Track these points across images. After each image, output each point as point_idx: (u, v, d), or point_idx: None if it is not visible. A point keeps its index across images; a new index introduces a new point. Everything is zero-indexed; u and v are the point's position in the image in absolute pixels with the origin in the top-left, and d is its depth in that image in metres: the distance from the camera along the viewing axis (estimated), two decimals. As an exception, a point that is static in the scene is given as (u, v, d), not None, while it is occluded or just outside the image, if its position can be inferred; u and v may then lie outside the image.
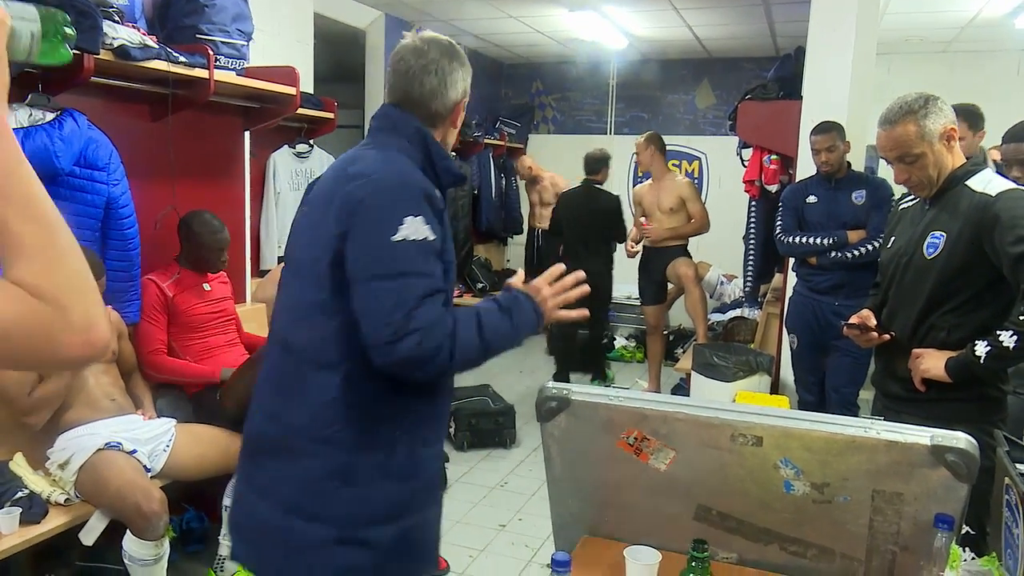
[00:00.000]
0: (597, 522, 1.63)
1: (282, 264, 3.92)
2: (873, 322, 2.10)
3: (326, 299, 1.38)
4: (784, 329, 3.83)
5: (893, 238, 2.13)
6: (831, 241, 3.42)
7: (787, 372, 3.96)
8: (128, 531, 2.16)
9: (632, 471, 1.52)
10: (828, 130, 3.45)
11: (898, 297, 2.04)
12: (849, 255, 3.40)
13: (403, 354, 1.29)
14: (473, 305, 1.43)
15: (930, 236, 1.95)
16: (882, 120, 1.95)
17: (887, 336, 2.04)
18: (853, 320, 2.14)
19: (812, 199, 3.54)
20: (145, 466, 2.35)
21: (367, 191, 1.37)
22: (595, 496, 1.61)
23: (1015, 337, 1.74)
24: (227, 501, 2.60)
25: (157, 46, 2.67)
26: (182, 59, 2.75)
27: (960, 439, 1.28)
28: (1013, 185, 1.87)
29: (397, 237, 1.32)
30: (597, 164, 5.24)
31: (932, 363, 1.88)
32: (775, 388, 4.03)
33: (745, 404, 1.42)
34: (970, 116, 3.27)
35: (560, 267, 1.53)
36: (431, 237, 1.35)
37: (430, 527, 1.54)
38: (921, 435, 1.30)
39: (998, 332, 1.78)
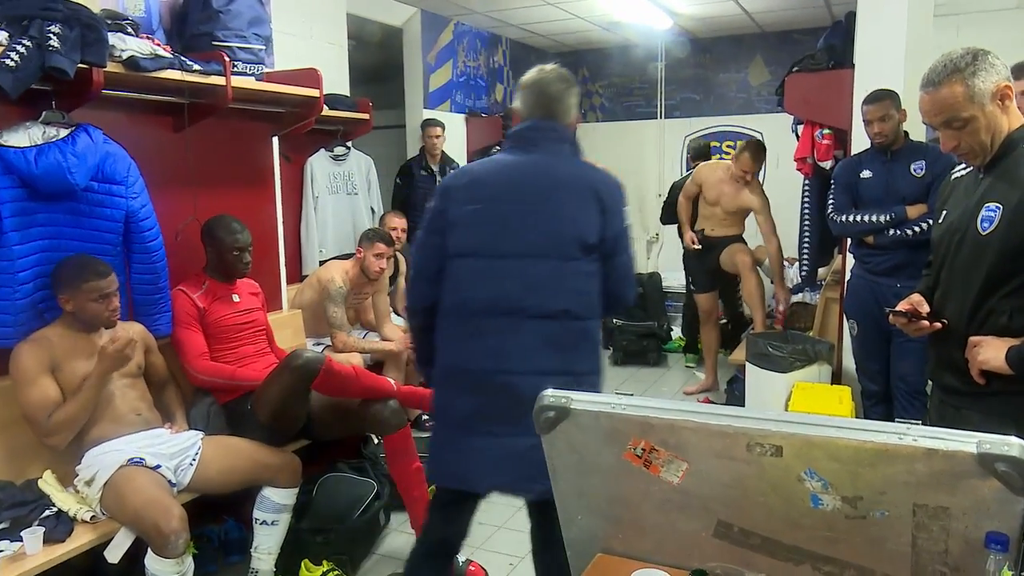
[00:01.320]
0: (611, 539, 1.50)
1: (325, 265, 3.75)
2: (925, 308, 1.88)
3: (596, 268, 1.86)
4: (844, 315, 3.58)
5: (945, 212, 1.90)
6: (888, 218, 3.17)
7: (849, 360, 3.71)
8: (149, 548, 2.14)
9: (643, 485, 1.38)
10: (881, 99, 3.20)
11: (951, 278, 1.82)
12: (909, 232, 3.13)
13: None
14: None
15: (984, 208, 1.72)
16: (925, 81, 1.72)
17: (939, 324, 1.82)
18: (901, 307, 1.91)
19: (867, 174, 3.29)
20: (170, 481, 2.33)
21: (614, 187, 1.91)
22: (606, 512, 1.48)
23: None
24: (258, 514, 2.57)
25: (170, 56, 2.65)
26: (196, 67, 2.72)
27: (1012, 445, 1.10)
28: None
29: (628, 221, 1.93)
30: (704, 152, 5.65)
31: (991, 353, 1.66)
32: (837, 378, 3.79)
33: (761, 410, 1.27)
34: None
35: None
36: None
37: None
38: (966, 442, 1.12)
39: None
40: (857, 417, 3.37)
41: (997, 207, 1.70)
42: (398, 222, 4.48)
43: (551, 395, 1.40)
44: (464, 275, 1.86)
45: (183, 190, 2.92)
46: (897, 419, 3.25)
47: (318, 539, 2.80)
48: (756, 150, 4.56)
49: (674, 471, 1.36)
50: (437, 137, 5.14)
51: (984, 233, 1.72)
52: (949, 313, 1.82)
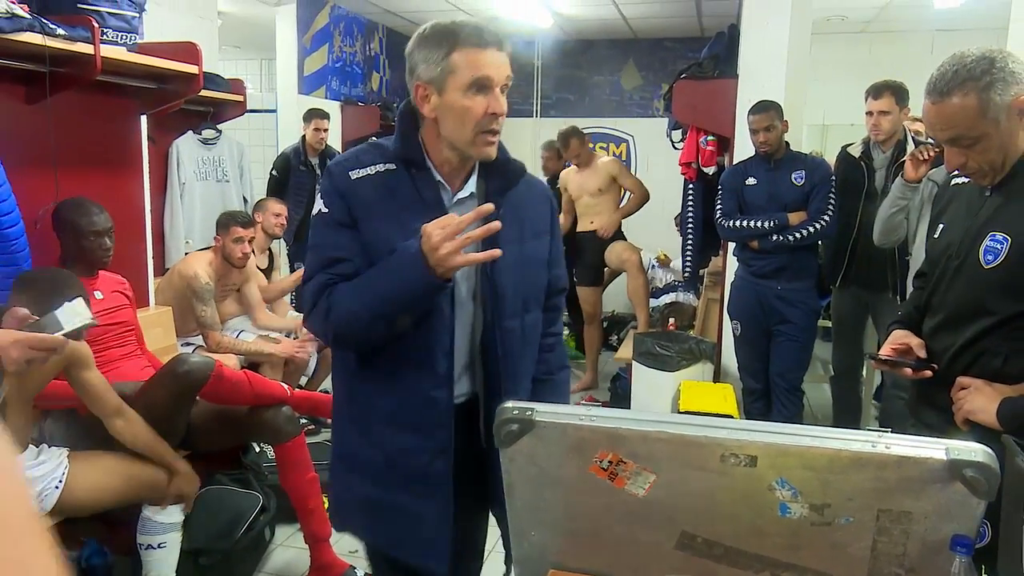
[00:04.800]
0: (566, 554, 1.44)
1: (185, 259, 3.49)
2: (918, 352, 1.65)
3: None
4: (726, 315, 3.73)
5: (942, 226, 1.68)
6: (772, 224, 3.34)
7: (728, 359, 3.88)
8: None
9: (606, 498, 1.33)
10: (766, 109, 3.35)
11: (945, 309, 1.61)
12: (791, 238, 3.32)
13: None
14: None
15: (989, 238, 1.51)
16: (931, 88, 1.48)
17: (927, 372, 1.62)
18: (885, 351, 1.69)
19: (752, 181, 3.44)
20: (32, 506, 2.03)
21: None
22: (564, 526, 1.42)
23: None
24: (142, 538, 2.30)
25: (29, 16, 2.31)
26: (60, 31, 2.39)
27: (978, 451, 1.14)
28: None
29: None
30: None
31: (980, 403, 1.48)
32: (717, 376, 3.95)
33: (736, 420, 1.25)
34: (899, 92, 3.24)
35: (486, 207, 1.35)
36: (324, 210, 1.43)
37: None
38: (935, 448, 1.16)
39: None
40: (739, 413, 3.52)
41: (1005, 239, 1.48)
42: (280, 208, 4.19)
43: (513, 407, 1.32)
44: None
45: (42, 171, 2.55)
46: (776, 415, 3.42)
47: (199, 560, 2.55)
48: (566, 137, 4.77)
49: (640, 483, 1.31)
50: (325, 131, 4.77)
51: (987, 267, 1.51)
52: (938, 346, 1.62)
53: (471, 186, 1.50)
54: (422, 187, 1.44)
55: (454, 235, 1.30)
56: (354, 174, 1.43)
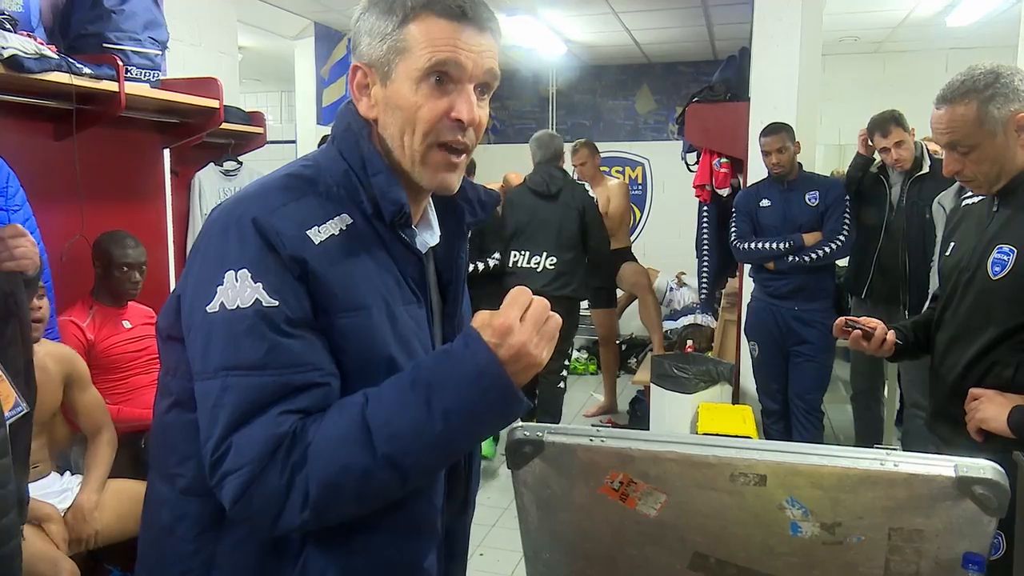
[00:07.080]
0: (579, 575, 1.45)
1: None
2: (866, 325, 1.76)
3: None
4: (744, 337, 3.73)
5: (953, 244, 1.74)
6: (787, 245, 3.34)
7: (747, 380, 3.86)
8: (36, 611, 1.88)
9: (617, 519, 1.34)
10: (777, 131, 3.38)
11: (957, 323, 1.66)
12: (807, 258, 3.32)
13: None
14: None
15: (996, 250, 1.56)
16: (940, 95, 1.56)
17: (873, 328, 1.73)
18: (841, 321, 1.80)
19: (765, 203, 3.46)
20: (58, 533, 2.07)
21: None
22: (576, 548, 1.43)
23: None
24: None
25: (57, 56, 2.40)
26: (87, 70, 2.47)
27: (987, 468, 1.14)
28: None
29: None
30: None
31: (992, 411, 1.50)
32: (736, 397, 3.93)
33: (746, 440, 1.26)
34: (900, 119, 3.24)
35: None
36: (266, 301, 0.86)
37: None
38: (944, 466, 1.16)
39: None
40: (758, 435, 3.50)
41: (1011, 250, 1.53)
42: None
43: (524, 428, 1.34)
44: None
45: (68, 205, 2.63)
46: (796, 436, 3.40)
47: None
48: (586, 151, 4.74)
49: (651, 504, 1.32)
50: None
51: (995, 278, 1.55)
52: (951, 359, 1.67)
53: (434, 229, 1.06)
54: (393, 243, 0.98)
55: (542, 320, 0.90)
56: (315, 234, 0.91)
